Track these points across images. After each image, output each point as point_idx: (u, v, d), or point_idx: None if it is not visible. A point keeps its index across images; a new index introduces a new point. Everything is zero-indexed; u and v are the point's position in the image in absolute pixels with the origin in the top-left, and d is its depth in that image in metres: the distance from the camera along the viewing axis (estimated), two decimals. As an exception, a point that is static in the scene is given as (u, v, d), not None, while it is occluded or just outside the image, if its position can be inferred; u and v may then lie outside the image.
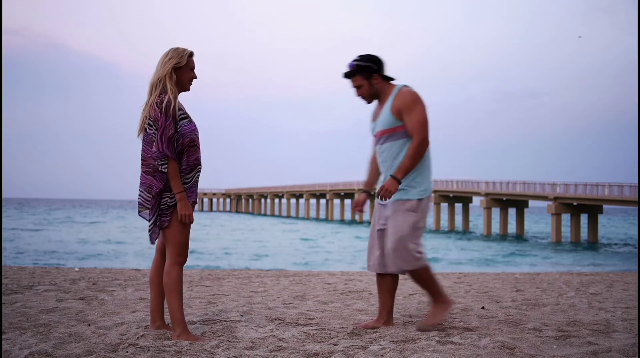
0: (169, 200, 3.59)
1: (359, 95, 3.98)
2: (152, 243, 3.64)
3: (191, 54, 3.68)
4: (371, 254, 4.14)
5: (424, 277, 3.98)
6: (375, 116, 4.09)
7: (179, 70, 3.63)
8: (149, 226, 3.61)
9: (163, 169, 3.53)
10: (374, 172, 4.22)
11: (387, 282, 4.12)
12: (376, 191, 3.97)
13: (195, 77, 3.72)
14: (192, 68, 3.70)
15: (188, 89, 3.72)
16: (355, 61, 3.90)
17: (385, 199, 3.84)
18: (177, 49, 3.65)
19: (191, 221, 3.61)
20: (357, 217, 69.76)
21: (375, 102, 4.11)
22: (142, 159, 3.64)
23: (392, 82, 4.00)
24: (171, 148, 3.51)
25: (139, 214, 3.68)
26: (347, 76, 3.93)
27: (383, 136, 3.98)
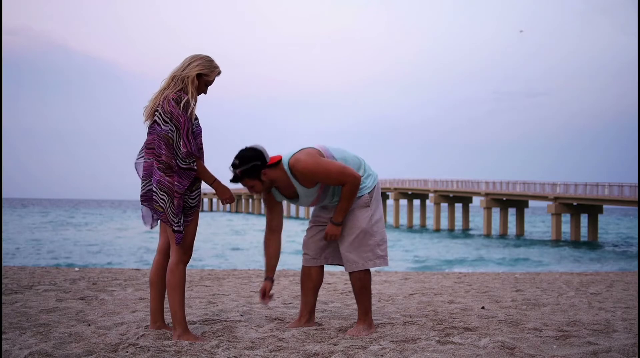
0: (190, 200, 3.60)
1: (254, 193, 3.85)
2: (178, 243, 3.58)
3: (219, 73, 3.71)
4: (309, 246, 4.08)
5: (364, 282, 3.89)
6: (287, 195, 3.91)
7: (200, 79, 3.63)
8: (178, 228, 3.54)
9: (194, 166, 3.54)
10: (273, 256, 3.98)
11: (313, 278, 4.07)
12: (323, 236, 3.95)
13: (205, 93, 3.72)
14: (209, 85, 3.71)
15: None
16: (236, 166, 3.69)
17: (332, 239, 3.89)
18: (212, 61, 3.66)
19: (233, 200, 3.69)
20: None
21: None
22: (154, 154, 3.57)
23: (275, 160, 3.78)
24: (195, 147, 3.54)
25: (156, 214, 3.63)
26: (234, 181, 3.76)
27: (317, 202, 3.96)
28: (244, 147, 3.75)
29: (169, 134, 3.50)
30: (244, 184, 3.75)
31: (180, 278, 3.62)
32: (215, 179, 3.65)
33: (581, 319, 4.43)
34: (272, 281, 3.95)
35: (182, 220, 3.56)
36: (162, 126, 3.52)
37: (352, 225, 3.86)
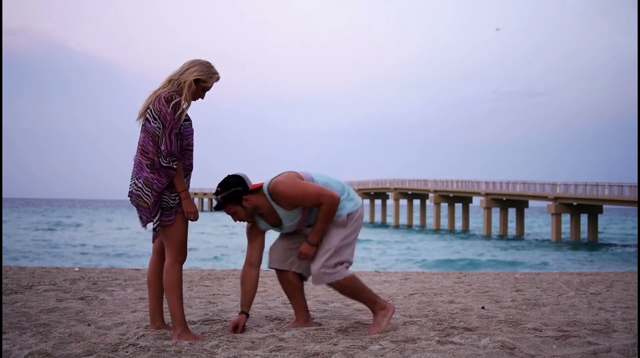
0: (170, 200, 3.59)
1: (237, 220, 3.86)
2: (154, 240, 3.62)
3: (217, 79, 3.71)
4: (277, 249, 4.04)
5: (349, 287, 3.86)
6: (270, 222, 3.92)
7: (197, 85, 3.63)
8: (155, 224, 3.59)
9: (173, 166, 3.53)
10: (250, 290, 3.98)
11: (292, 282, 4.03)
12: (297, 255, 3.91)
13: (203, 98, 3.73)
14: (207, 90, 3.71)
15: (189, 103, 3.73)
16: (218, 193, 3.78)
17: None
18: (211, 67, 3.67)
19: (197, 218, 3.65)
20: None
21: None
22: (142, 150, 3.58)
23: (257, 186, 3.83)
24: (178, 147, 3.53)
25: (141, 211, 3.62)
26: (221, 205, 3.81)
27: (302, 224, 3.95)
28: (227, 175, 3.79)
29: (157, 132, 3.51)
30: (226, 212, 3.79)
31: (176, 278, 3.62)
32: (186, 189, 3.61)
33: (581, 319, 4.43)
34: (247, 316, 3.95)
35: (158, 219, 3.56)
36: (151, 123, 3.53)
37: (324, 241, 3.82)
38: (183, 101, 3.55)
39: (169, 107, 3.50)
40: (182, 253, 3.66)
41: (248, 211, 3.80)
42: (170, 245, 3.63)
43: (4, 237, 31.29)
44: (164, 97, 3.52)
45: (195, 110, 3.73)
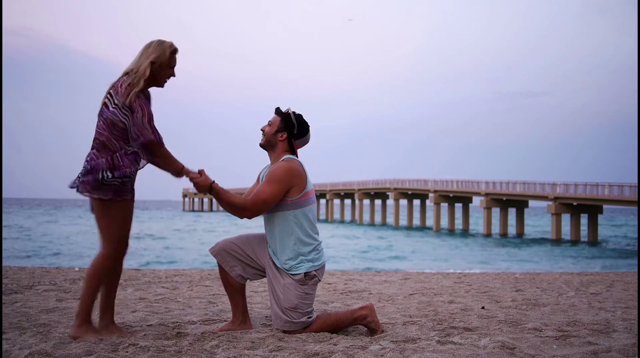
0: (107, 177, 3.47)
1: (262, 129, 3.87)
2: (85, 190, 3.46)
3: (174, 51, 3.57)
4: (231, 247, 3.89)
5: (322, 328, 3.83)
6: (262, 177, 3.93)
7: (158, 66, 3.52)
8: (103, 197, 3.44)
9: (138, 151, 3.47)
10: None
11: (230, 282, 3.91)
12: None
13: (174, 76, 3.61)
14: (172, 66, 3.58)
15: (162, 86, 3.61)
16: (293, 111, 3.85)
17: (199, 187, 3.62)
18: (161, 44, 3.53)
19: (199, 186, 3.58)
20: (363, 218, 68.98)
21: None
22: (96, 138, 3.47)
23: (290, 156, 3.82)
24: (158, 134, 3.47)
25: (87, 195, 3.46)
26: (277, 112, 3.87)
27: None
28: (307, 122, 3.90)
29: (115, 118, 3.39)
30: (271, 119, 3.86)
31: (103, 271, 3.54)
32: (184, 166, 3.54)
33: (581, 319, 4.44)
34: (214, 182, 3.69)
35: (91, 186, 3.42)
36: (109, 108, 3.42)
37: (284, 297, 3.74)
38: (136, 89, 3.41)
39: (135, 99, 3.40)
40: (113, 245, 3.53)
41: (272, 139, 3.84)
42: (107, 237, 3.52)
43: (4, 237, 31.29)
44: (124, 86, 3.41)
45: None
